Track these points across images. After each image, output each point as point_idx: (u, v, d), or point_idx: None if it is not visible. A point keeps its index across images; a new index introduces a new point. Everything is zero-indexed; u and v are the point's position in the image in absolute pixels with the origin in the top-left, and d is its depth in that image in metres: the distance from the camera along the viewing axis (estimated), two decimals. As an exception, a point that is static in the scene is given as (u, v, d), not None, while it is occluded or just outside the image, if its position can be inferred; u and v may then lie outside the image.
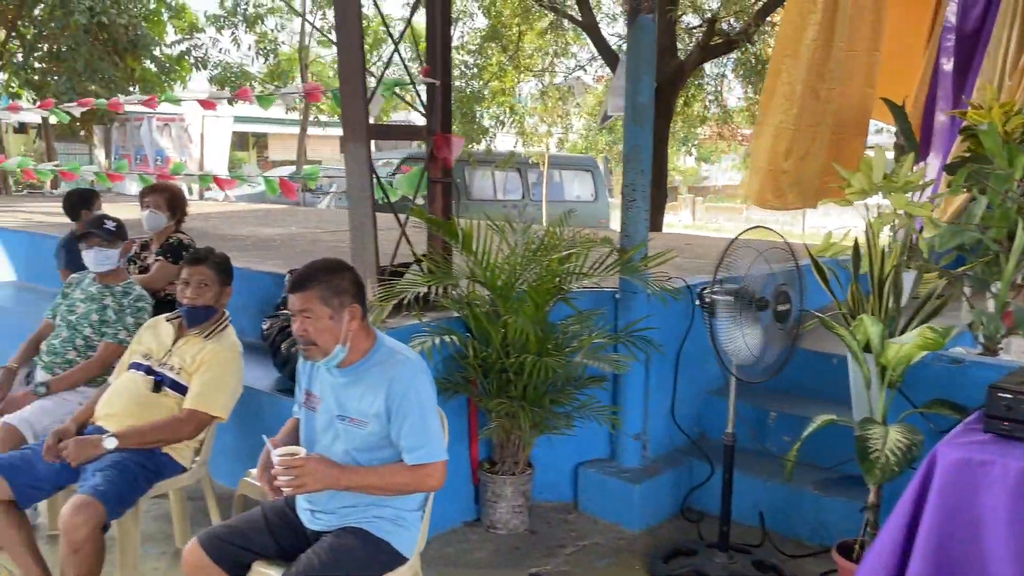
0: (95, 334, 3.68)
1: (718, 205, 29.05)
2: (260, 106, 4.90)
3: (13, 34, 15.01)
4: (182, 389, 3.17)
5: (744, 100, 13.31)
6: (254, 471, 2.68)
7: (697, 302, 3.25)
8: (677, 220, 24.24)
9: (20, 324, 5.61)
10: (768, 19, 9.76)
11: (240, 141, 26.37)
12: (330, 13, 18.37)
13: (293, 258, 5.93)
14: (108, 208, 5.09)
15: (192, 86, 18.70)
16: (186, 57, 17.62)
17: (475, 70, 12.59)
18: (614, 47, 10.92)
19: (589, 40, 11.28)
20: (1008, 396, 2.29)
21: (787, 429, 3.92)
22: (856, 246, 3.52)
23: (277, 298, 4.55)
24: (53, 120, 14.14)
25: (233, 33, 18.24)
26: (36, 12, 15.17)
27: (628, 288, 3.85)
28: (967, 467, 2.25)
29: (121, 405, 3.14)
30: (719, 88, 13.17)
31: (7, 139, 17.94)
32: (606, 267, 3.73)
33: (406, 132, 5.49)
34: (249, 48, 18.95)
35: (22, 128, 22.47)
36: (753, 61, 10.99)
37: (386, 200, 3.99)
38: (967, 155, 3.92)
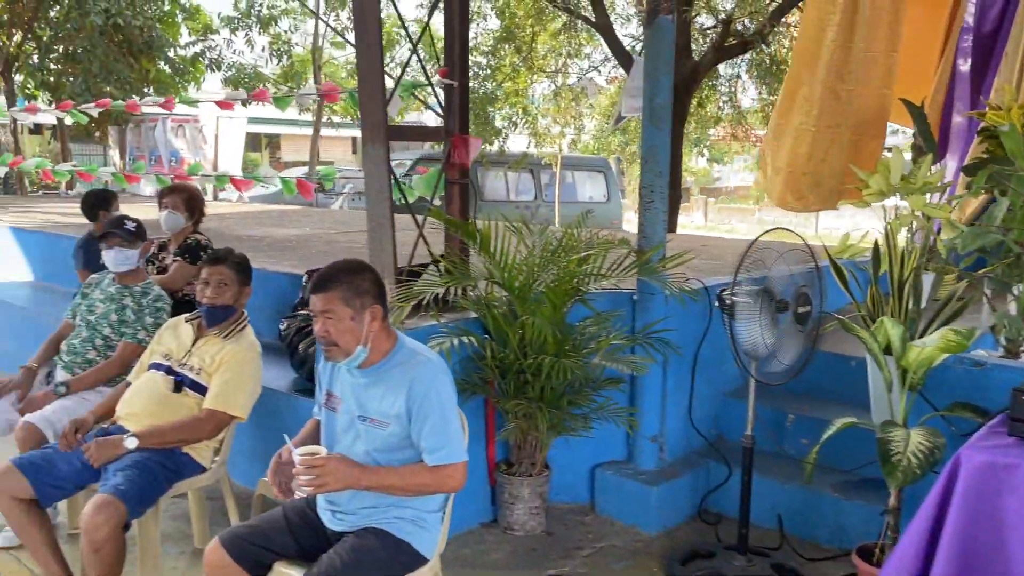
0: (114, 334, 3.70)
1: (730, 206, 28.99)
2: (277, 107, 4.92)
3: (29, 36, 15.12)
4: (202, 389, 3.18)
5: (758, 101, 13.25)
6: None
7: (716, 304, 3.24)
8: (689, 221, 24.18)
9: (37, 324, 5.66)
10: (783, 20, 9.71)
11: (252, 142, 26.50)
12: (343, 14, 18.44)
13: (309, 259, 5.95)
14: (124, 209, 5.12)
15: (206, 87, 18.82)
16: (200, 58, 17.72)
17: (488, 71, 12.59)
18: (628, 48, 10.91)
19: (603, 41, 11.26)
20: (1034, 399, 2.27)
21: (805, 431, 3.90)
22: (876, 248, 3.50)
23: (294, 299, 4.57)
24: (68, 121, 14.25)
25: (247, 35, 18.34)
26: (52, 14, 15.28)
27: (646, 289, 3.84)
28: (991, 471, 2.24)
29: (142, 405, 3.16)
30: (733, 89, 13.13)
31: (22, 140, 18.06)
32: (624, 268, 3.72)
33: (424, 133, 5.49)
34: (263, 49, 19.03)
35: (37, 129, 22.66)
36: (768, 62, 10.95)
37: (403, 201, 4.00)
38: (985, 156, 3.89)
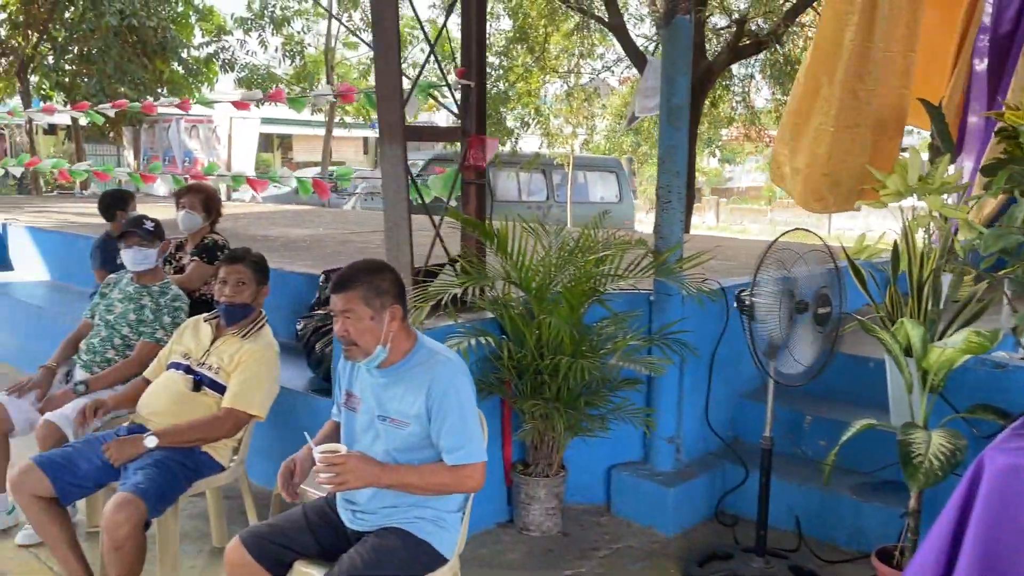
0: (133, 333, 3.72)
1: (742, 207, 28.91)
2: (292, 108, 4.94)
3: (44, 37, 15.22)
4: (221, 388, 3.19)
5: (772, 101, 13.21)
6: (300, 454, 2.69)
7: (735, 305, 3.23)
8: (701, 221, 24.14)
9: (54, 323, 5.70)
10: (797, 20, 9.68)
11: (265, 142, 26.59)
12: (356, 15, 18.49)
13: (324, 259, 5.97)
14: (139, 210, 5.15)
15: (218, 88, 18.91)
16: (214, 59, 17.80)
17: (501, 71, 12.60)
18: (641, 48, 10.90)
19: (615, 41, 11.25)
20: (1059, 401, 2.25)
21: (823, 433, 3.89)
22: (895, 248, 3.48)
23: (311, 299, 4.58)
24: (83, 122, 14.33)
25: (260, 35, 18.41)
26: (67, 15, 15.38)
27: (663, 290, 3.83)
28: (1016, 473, 2.22)
29: (161, 404, 3.18)
30: (747, 89, 13.09)
31: (37, 140, 18.18)
32: (641, 269, 3.72)
33: (441, 133, 5.49)
34: (276, 50, 19.10)
35: (51, 130, 22.78)
36: (782, 62, 10.92)
37: (420, 201, 4.00)
38: (1004, 157, 3.87)
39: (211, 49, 18.23)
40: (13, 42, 15.83)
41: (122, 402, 3.36)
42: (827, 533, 3.67)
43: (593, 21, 11.47)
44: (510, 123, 14.32)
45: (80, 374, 3.76)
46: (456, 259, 3.98)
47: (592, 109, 16.25)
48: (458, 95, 4.07)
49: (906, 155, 3.65)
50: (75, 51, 15.68)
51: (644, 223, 20.03)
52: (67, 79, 15.67)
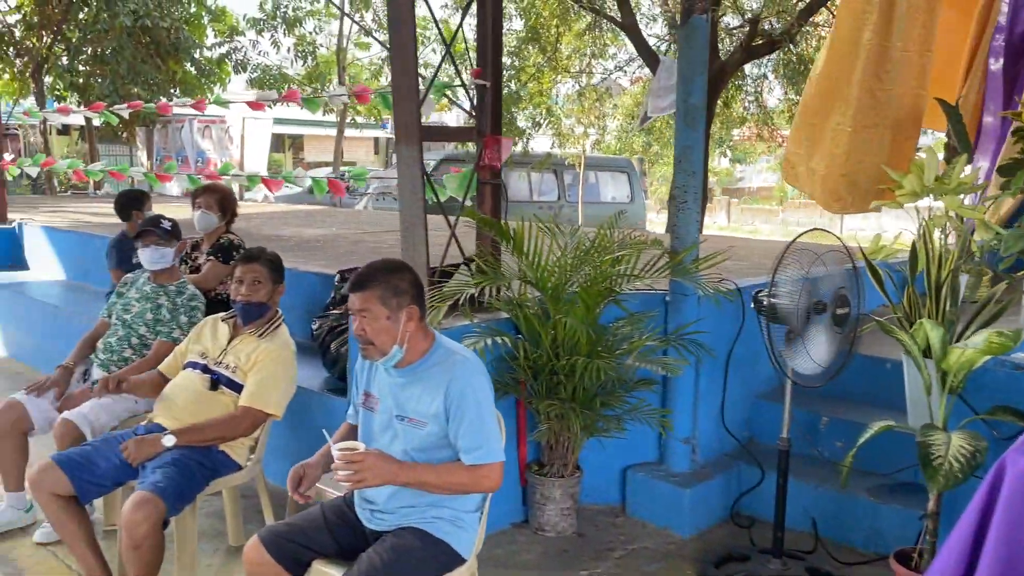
0: (150, 333, 3.74)
1: (753, 207, 28.82)
2: (307, 109, 4.95)
3: (58, 38, 15.31)
4: (238, 387, 3.20)
5: (784, 101, 13.17)
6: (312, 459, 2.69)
7: (752, 305, 3.22)
8: (712, 222, 24.06)
9: (70, 322, 5.74)
10: (811, 19, 9.64)
11: (276, 143, 26.69)
12: (367, 15, 18.52)
13: (337, 258, 5.98)
14: (152, 209, 5.17)
15: (230, 88, 18.98)
16: (226, 60, 17.87)
17: (512, 72, 12.60)
18: (653, 48, 10.88)
19: (628, 41, 11.24)
20: (1082, 403, 2.24)
21: (839, 434, 3.87)
22: (913, 248, 3.46)
23: (326, 298, 4.59)
24: (96, 122, 14.36)
25: (273, 36, 18.47)
26: (80, 16, 15.47)
27: (678, 290, 3.82)
28: (1038, 476, 2.20)
29: (179, 403, 3.19)
30: (759, 89, 13.05)
31: (50, 141, 18.29)
32: (658, 269, 3.71)
33: (457, 134, 5.49)
34: (288, 51, 19.16)
35: (65, 130, 22.93)
36: (795, 61, 10.88)
37: (435, 201, 4.00)
38: (1020, 157, 3.84)
39: (223, 50, 18.32)
40: (28, 43, 15.94)
41: (139, 386, 3.35)
42: (844, 535, 3.65)
43: (605, 21, 11.45)
44: (521, 123, 14.32)
45: (97, 373, 3.78)
46: (471, 259, 3.98)
47: (603, 109, 16.22)
48: (473, 95, 4.07)
49: (922, 155, 3.63)
50: (89, 52, 15.77)
51: (655, 223, 20.00)
52: (81, 80, 15.76)
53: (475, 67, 4.07)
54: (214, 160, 15.76)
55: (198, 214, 4.44)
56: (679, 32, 3.75)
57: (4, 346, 6.85)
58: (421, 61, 15.74)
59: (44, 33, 15.49)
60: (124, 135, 18.39)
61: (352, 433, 2.67)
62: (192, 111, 7.82)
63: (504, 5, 12.54)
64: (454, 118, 21.79)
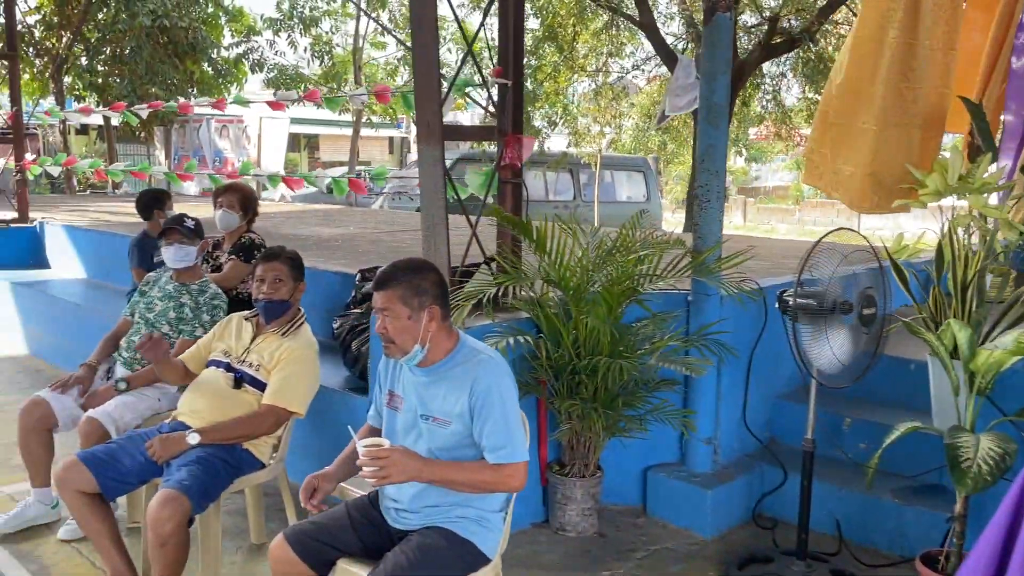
0: (173, 331, 3.75)
1: (769, 206, 28.67)
2: (328, 108, 4.95)
3: (77, 38, 15.42)
4: (261, 385, 3.21)
5: (803, 100, 13.09)
6: (328, 470, 2.70)
7: (776, 305, 3.20)
8: (728, 221, 23.85)
9: (91, 320, 5.78)
10: (830, 17, 9.58)
11: (291, 142, 26.81)
12: (383, 15, 18.56)
13: (356, 257, 5.99)
14: (173, 209, 5.20)
15: (247, 88, 19.05)
16: (243, 60, 17.95)
17: (529, 71, 12.59)
18: (671, 46, 10.84)
19: (645, 39, 11.21)
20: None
21: (863, 435, 3.84)
22: (939, 248, 3.43)
23: (346, 297, 4.60)
24: (115, 122, 14.44)
25: (289, 36, 18.54)
26: (100, 16, 15.58)
27: (701, 290, 3.80)
28: (1071, 479, 2.17)
29: (203, 402, 3.20)
30: (778, 87, 12.98)
31: (69, 141, 18.44)
32: (680, 269, 3.69)
33: (478, 133, 5.49)
34: (305, 51, 19.22)
35: (83, 130, 23.11)
36: (815, 60, 10.81)
37: (456, 199, 4.00)
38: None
39: (240, 50, 18.40)
40: (47, 43, 16.06)
41: (169, 370, 3.33)
42: (868, 537, 3.62)
43: (623, 19, 11.42)
44: (537, 122, 14.31)
45: (121, 371, 3.80)
46: (492, 258, 3.98)
47: (620, 108, 16.18)
48: (494, 94, 4.07)
49: (946, 154, 3.60)
50: (108, 52, 15.87)
51: (670, 223, 19.93)
52: (100, 80, 15.87)
53: (493, 66, 4.07)
54: (231, 160, 15.85)
55: (220, 213, 4.46)
56: (703, 30, 3.73)
57: (26, 344, 6.91)
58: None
59: (64, 33, 15.60)
60: (142, 135, 18.50)
61: (373, 435, 2.67)
62: (210, 111, 7.86)
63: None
64: (468, 118, 21.82)
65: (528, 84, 12.90)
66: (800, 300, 3.04)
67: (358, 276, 4.56)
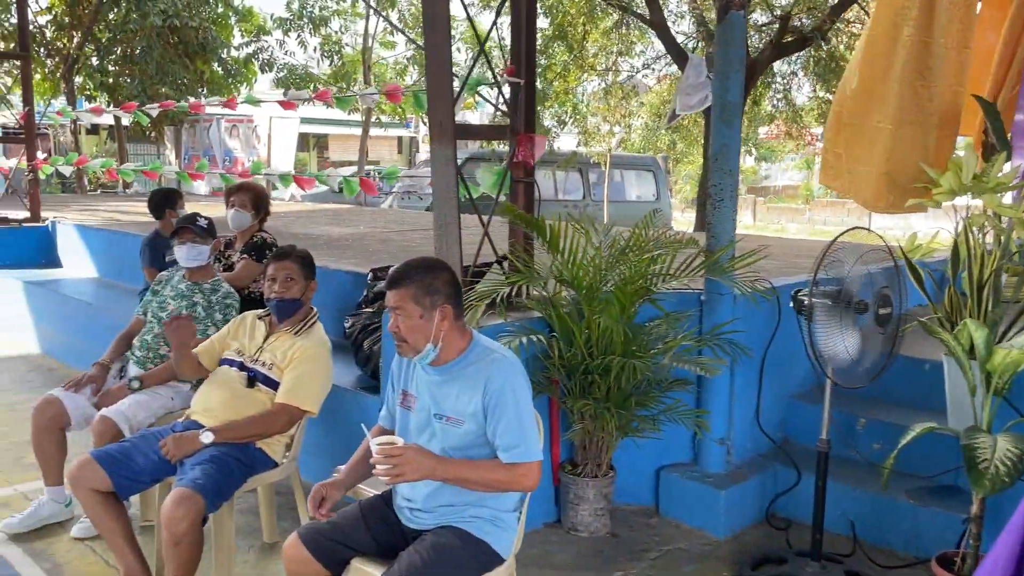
0: (185, 330, 3.75)
1: (779, 205, 28.58)
2: (339, 108, 4.96)
3: (88, 38, 15.49)
4: (274, 384, 3.21)
5: (814, 99, 13.03)
6: (342, 467, 2.70)
7: (791, 304, 3.18)
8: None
9: (102, 319, 5.80)
10: (842, 16, 9.54)
11: (301, 142, 26.87)
12: (393, 15, 18.57)
13: (367, 257, 6.00)
14: (185, 208, 5.21)
15: (256, 88, 19.11)
16: (253, 60, 17.99)
17: (538, 70, 12.58)
18: (681, 45, 10.81)
19: (655, 38, 11.18)
20: None
21: (877, 436, 3.82)
22: (955, 247, 3.40)
23: (358, 297, 4.60)
24: (125, 122, 14.49)
25: (299, 36, 18.58)
26: (111, 16, 15.64)
27: (714, 289, 3.78)
28: (1092, 480, 2.15)
29: (217, 401, 3.20)
30: (788, 86, 12.93)
31: (80, 140, 18.52)
32: (694, 268, 3.68)
33: (490, 132, 5.48)
34: (315, 50, 19.26)
35: (94, 129, 23.20)
36: (826, 58, 10.76)
37: (468, 198, 3.99)
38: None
39: (250, 49, 18.45)
40: (58, 43, 16.14)
41: (187, 358, 3.33)
42: (882, 537, 3.60)
43: (633, 18, 11.39)
44: (547, 121, 14.29)
45: (134, 370, 3.81)
46: (505, 257, 3.97)
47: (629, 107, 16.14)
48: (506, 92, 4.06)
49: (960, 153, 3.57)
50: (118, 52, 15.94)
51: (679, 222, 19.89)
52: (110, 80, 15.94)
53: (503, 65, 4.06)
54: (241, 159, 15.88)
55: (232, 212, 4.46)
56: (716, 28, 3.71)
57: (38, 343, 6.94)
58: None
59: (75, 33, 15.67)
60: (152, 134, 18.58)
61: (384, 434, 2.67)
62: (220, 110, 7.88)
63: (533, 3, 12.46)
64: (476, 117, 21.82)
65: (538, 83, 12.88)
66: (816, 299, 3.02)
67: (370, 275, 4.56)
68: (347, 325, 4.35)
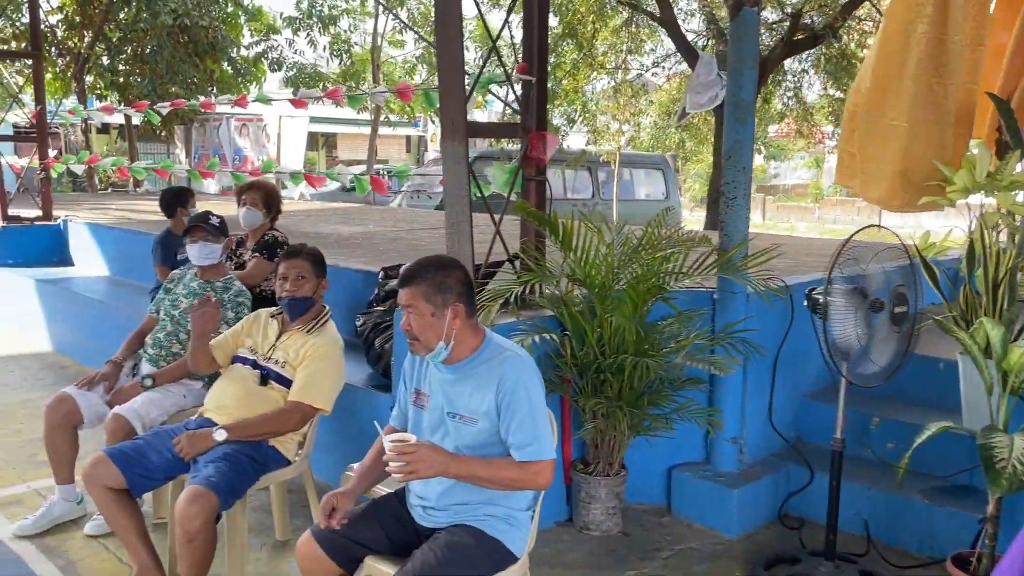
0: (198, 328, 3.76)
1: (788, 204, 28.51)
2: (350, 106, 4.97)
3: (99, 38, 15.55)
4: (287, 382, 3.21)
5: (824, 97, 12.97)
6: (355, 465, 2.70)
7: (806, 303, 3.16)
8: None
9: (114, 317, 5.82)
10: (853, 13, 9.49)
11: (310, 141, 26.93)
12: (403, 13, 18.58)
13: (377, 255, 6.00)
14: (196, 206, 5.22)
15: (265, 87, 19.16)
16: (262, 59, 18.04)
17: (548, 68, 12.58)
18: (691, 43, 10.78)
19: (665, 36, 11.15)
20: None
21: (891, 435, 3.79)
22: (971, 246, 3.38)
23: (369, 295, 4.60)
24: (136, 121, 14.53)
25: (308, 35, 18.61)
26: (121, 16, 15.71)
27: (727, 288, 3.77)
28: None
29: (228, 399, 3.21)
30: (799, 84, 12.87)
31: (91, 139, 18.60)
32: (707, 267, 3.66)
33: (502, 130, 5.47)
34: (324, 49, 19.29)
35: (104, 128, 23.29)
36: (837, 56, 10.71)
37: (480, 197, 3.99)
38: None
39: (260, 48, 18.49)
40: (69, 42, 16.21)
41: (203, 350, 3.32)
42: (896, 537, 3.58)
43: (643, 16, 11.36)
44: (556, 120, 14.28)
45: (147, 368, 3.82)
46: (517, 255, 3.96)
47: (639, 105, 16.11)
48: (518, 90, 4.05)
49: (974, 151, 3.55)
50: (129, 51, 16.00)
51: (688, 221, 19.84)
52: (121, 79, 16.00)
53: (515, 63, 4.05)
54: (251, 158, 15.92)
55: (243, 211, 4.47)
56: (729, 25, 3.70)
57: (51, 341, 6.97)
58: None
59: (86, 33, 15.74)
60: (162, 133, 18.64)
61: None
62: (230, 109, 7.91)
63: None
64: (485, 116, 21.81)
65: (547, 81, 12.87)
66: (831, 298, 3.00)
67: (381, 274, 4.56)
68: (358, 323, 4.35)
